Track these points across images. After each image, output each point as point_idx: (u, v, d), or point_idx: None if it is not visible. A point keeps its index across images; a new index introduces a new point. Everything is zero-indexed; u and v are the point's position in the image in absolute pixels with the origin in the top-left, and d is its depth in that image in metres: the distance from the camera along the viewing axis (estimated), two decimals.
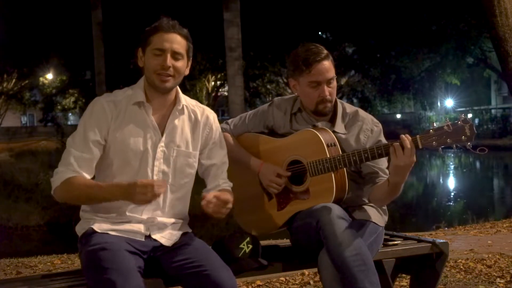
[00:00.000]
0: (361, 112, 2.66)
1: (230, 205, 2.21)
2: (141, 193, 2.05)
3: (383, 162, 2.54)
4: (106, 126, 2.23)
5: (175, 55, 2.24)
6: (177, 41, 2.25)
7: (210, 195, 2.17)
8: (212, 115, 2.45)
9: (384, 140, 2.57)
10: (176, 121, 2.33)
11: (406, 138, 2.28)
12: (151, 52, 2.24)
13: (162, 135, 2.30)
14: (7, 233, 11.04)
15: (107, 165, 2.26)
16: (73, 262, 5.16)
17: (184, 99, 2.38)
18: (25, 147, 27.33)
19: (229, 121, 2.82)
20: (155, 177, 2.27)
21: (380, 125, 2.62)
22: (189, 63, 2.34)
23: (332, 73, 2.55)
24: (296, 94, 2.67)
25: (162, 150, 2.29)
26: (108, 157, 2.25)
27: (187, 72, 2.34)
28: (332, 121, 2.62)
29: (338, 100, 2.66)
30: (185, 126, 2.36)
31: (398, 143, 2.29)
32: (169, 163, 2.31)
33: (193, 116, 2.39)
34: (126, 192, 2.08)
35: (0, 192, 13.26)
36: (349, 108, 2.67)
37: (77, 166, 2.18)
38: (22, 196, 12.83)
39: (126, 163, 2.25)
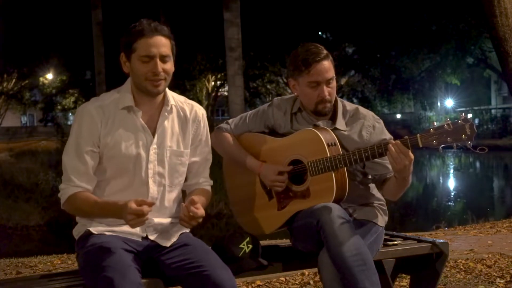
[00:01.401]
0: (361, 109, 2.66)
1: (199, 220, 2.18)
2: (133, 219, 2.06)
3: None
4: (97, 133, 2.22)
5: (163, 58, 2.22)
6: (163, 44, 2.21)
7: (187, 203, 2.17)
8: (200, 111, 2.43)
9: (388, 136, 2.57)
10: (166, 122, 2.31)
11: (393, 147, 2.28)
12: (138, 60, 2.20)
13: (153, 136, 2.29)
14: (7, 233, 11.05)
15: (102, 171, 2.26)
16: (73, 262, 5.16)
17: (172, 98, 2.35)
18: (25, 147, 27.32)
19: (230, 121, 2.82)
20: (150, 180, 2.27)
21: (381, 121, 2.63)
22: (173, 59, 2.29)
23: (331, 73, 2.55)
24: (295, 94, 2.67)
25: (155, 152, 2.28)
26: (102, 163, 2.25)
27: (173, 69, 2.30)
28: (333, 119, 2.62)
29: (338, 99, 2.66)
30: (175, 125, 2.35)
31: (392, 144, 2.30)
32: (164, 164, 2.30)
33: (182, 113, 2.37)
34: (120, 214, 2.10)
35: (0, 192, 13.26)
36: (349, 105, 2.67)
37: (77, 181, 2.21)
38: (22, 196, 12.82)
39: (120, 168, 2.24)
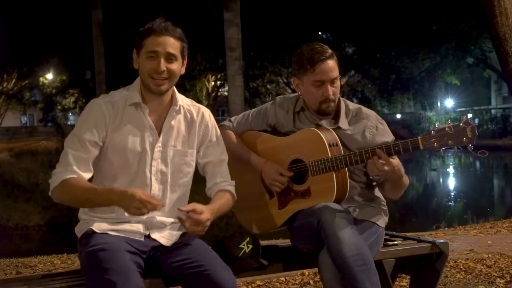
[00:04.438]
0: (364, 109, 2.66)
1: (207, 223, 2.18)
2: (137, 208, 2.06)
3: None
4: (104, 127, 2.24)
5: (169, 58, 2.24)
6: (170, 44, 2.23)
7: (187, 208, 2.16)
8: (207, 113, 2.45)
9: (391, 138, 2.58)
10: (173, 122, 2.33)
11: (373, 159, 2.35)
12: (144, 56, 2.24)
13: (159, 135, 2.30)
14: (7, 233, 11.05)
15: (106, 166, 2.26)
16: (73, 262, 5.16)
17: (181, 99, 2.38)
18: (25, 147, 27.27)
19: (232, 118, 2.83)
20: (153, 177, 2.28)
21: (384, 122, 2.64)
22: (185, 63, 2.33)
23: (336, 72, 2.55)
24: (299, 93, 2.67)
25: (159, 150, 2.30)
26: (107, 158, 2.26)
27: (183, 71, 2.33)
28: (336, 118, 2.62)
29: (341, 98, 2.67)
30: (181, 126, 2.36)
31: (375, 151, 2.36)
32: (167, 163, 2.31)
33: (188, 115, 2.39)
34: (122, 200, 2.09)
35: (0, 192, 13.26)
36: (352, 105, 2.67)
37: (75, 166, 2.18)
38: (22, 196, 12.82)
39: (124, 163, 2.26)
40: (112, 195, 2.11)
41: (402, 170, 2.41)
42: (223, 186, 2.43)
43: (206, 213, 2.18)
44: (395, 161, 2.36)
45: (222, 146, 2.48)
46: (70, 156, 2.20)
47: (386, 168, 2.33)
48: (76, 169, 2.18)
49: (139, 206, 2.05)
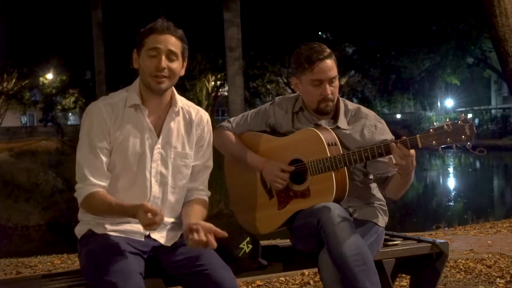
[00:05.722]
0: (363, 108, 2.66)
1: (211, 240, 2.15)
2: (148, 224, 2.03)
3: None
4: (106, 129, 2.23)
5: (170, 56, 2.23)
6: (171, 42, 2.24)
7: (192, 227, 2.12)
8: (206, 117, 2.44)
9: (390, 137, 2.57)
10: (172, 123, 2.33)
11: (395, 148, 2.30)
12: (145, 54, 2.23)
13: (158, 137, 2.30)
14: (7, 233, 11.06)
15: (109, 167, 2.26)
16: (73, 262, 5.16)
17: (180, 100, 2.37)
18: (25, 147, 27.26)
19: (231, 119, 2.83)
20: (153, 179, 2.28)
21: (383, 121, 2.63)
22: (185, 64, 2.32)
23: (334, 72, 2.55)
24: (298, 93, 2.67)
25: (159, 152, 2.29)
26: (110, 160, 2.26)
27: (182, 73, 2.33)
28: (335, 118, 2.62)
29: (340, 98, 2.67)
30: (181, 127, 2.36)
31: (395, 144, 2.31)
32: (167, 164, 2.31)
33: (187, 116, 2.38)
34: (142, 218, 2.06)
35: (0, 192, 13.27)
36: (351, 105, 2.67)
37: (92, 179, 2.19)
38: (22, 196, 12.83)
39: (125, 165, 2.25)
40: (136, 211, 2.07)
41: (414, 163, 2.37)
42: (201, 195, 2.42)
43: (202, 232, 2.14)
44: (413, 151, 2.33)
45: (210, 153, 2.46)
46: (85, 168, 2.20)
47: (408, 160, 2.29)
48: (94, 181, 2.19)
49: (149, 222, 2.02)
